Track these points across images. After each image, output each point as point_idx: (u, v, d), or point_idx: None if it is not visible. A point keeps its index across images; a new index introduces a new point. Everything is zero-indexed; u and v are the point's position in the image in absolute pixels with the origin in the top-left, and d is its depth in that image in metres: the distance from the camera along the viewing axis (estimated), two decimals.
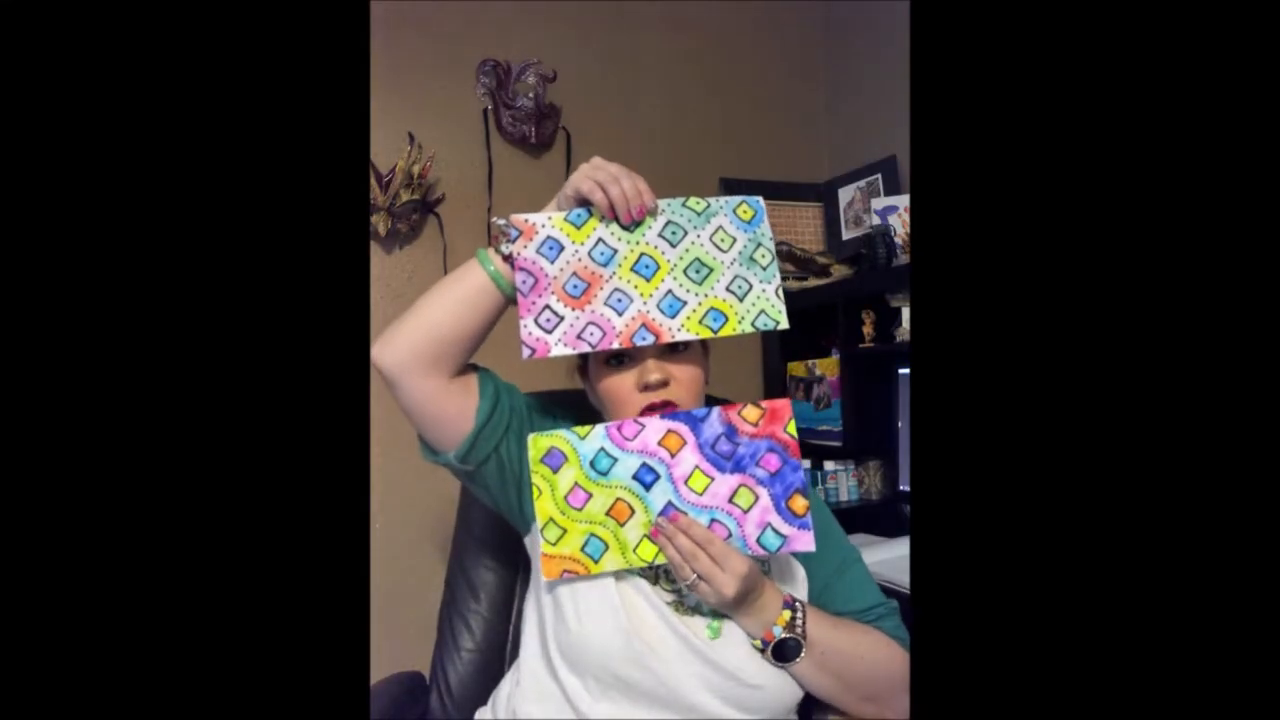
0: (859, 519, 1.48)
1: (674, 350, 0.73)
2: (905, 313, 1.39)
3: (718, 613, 0.69)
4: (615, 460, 0.70)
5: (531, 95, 1.51)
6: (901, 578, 1.09)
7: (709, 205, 0.74)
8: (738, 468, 0.70)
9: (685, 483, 0.69)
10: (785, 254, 1.58)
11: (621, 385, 0.72)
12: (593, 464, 0.70)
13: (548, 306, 0.70)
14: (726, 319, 0.72)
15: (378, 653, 0.83)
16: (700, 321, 0.71)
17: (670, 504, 0.69)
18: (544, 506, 0.69)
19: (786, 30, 1.84)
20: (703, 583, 0.65)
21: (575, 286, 0.70)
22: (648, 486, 0.69)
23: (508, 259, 0.70)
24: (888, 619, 0.76)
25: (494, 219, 0.71)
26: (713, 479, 0.69)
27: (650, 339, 0.69)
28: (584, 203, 0.71)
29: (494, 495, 0.76)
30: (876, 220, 1.57)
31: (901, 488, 1.46)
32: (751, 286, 0.73)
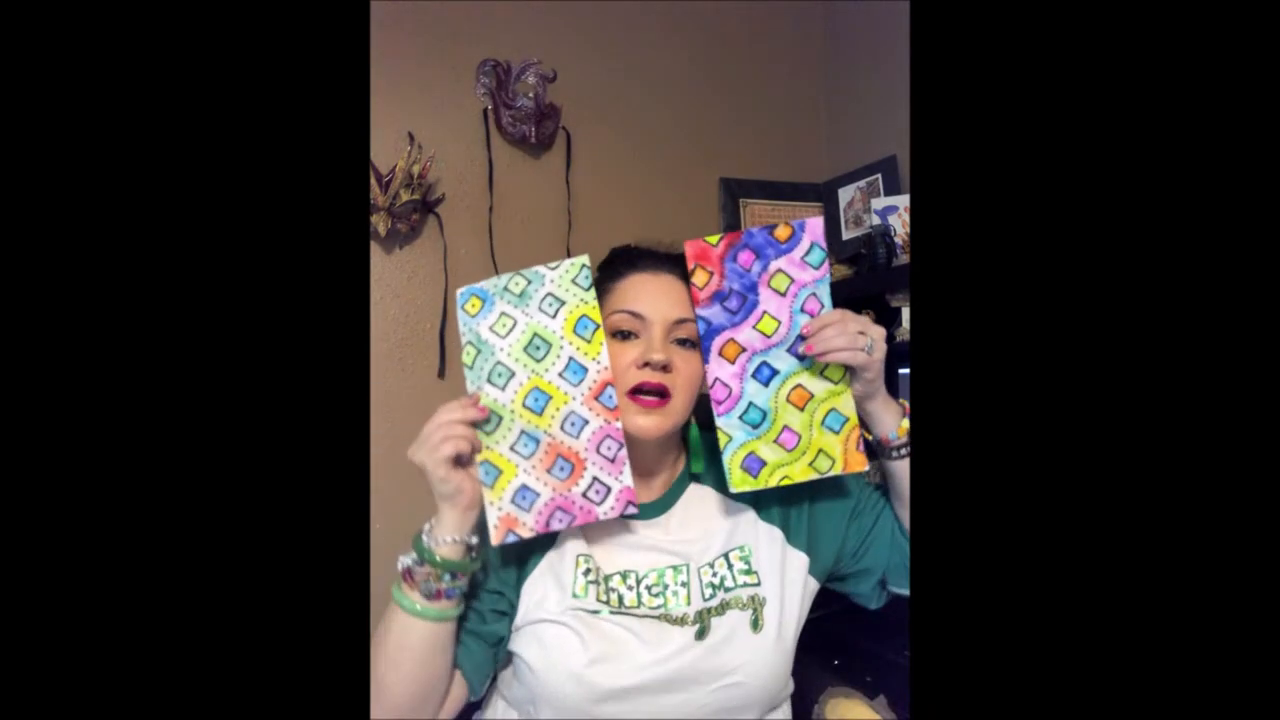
0: None
1: (681, 343, 0.74)
2: (905, 313, 1.39)
3: (708, 612, 0.70)
4: (748, 400, 0.72)
5: (531, 95, 1.51)
6: None
7: (472, 356, 0.70)
8: (752, 288, 0.73)
9: (770, 335, 0.73)
10: None
11: (622, 357, 0.72)
12: (744, 415, 0.73)
13: (582, 495, 0.68)
14: (582, 319, 0.70)
15: None
16: (575, 328, 0.69)
17: (790, 351, 0.73)
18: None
19: (786, 30, 1.84)
20: (869, 354, 0.69)
21: (562, 469, 0.69)
22: (779, 372, 0.73)
23: (438, 595, 0.66)
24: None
25: (401, 559, 0.67)
26: (766, 308, 0.73)
27: (611, 393, 0.69)
28: (458, 462, 0.67)
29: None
30: (876, 220, 1.57)
31: None
32: (551, 293, 0.71)
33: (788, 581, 0.74)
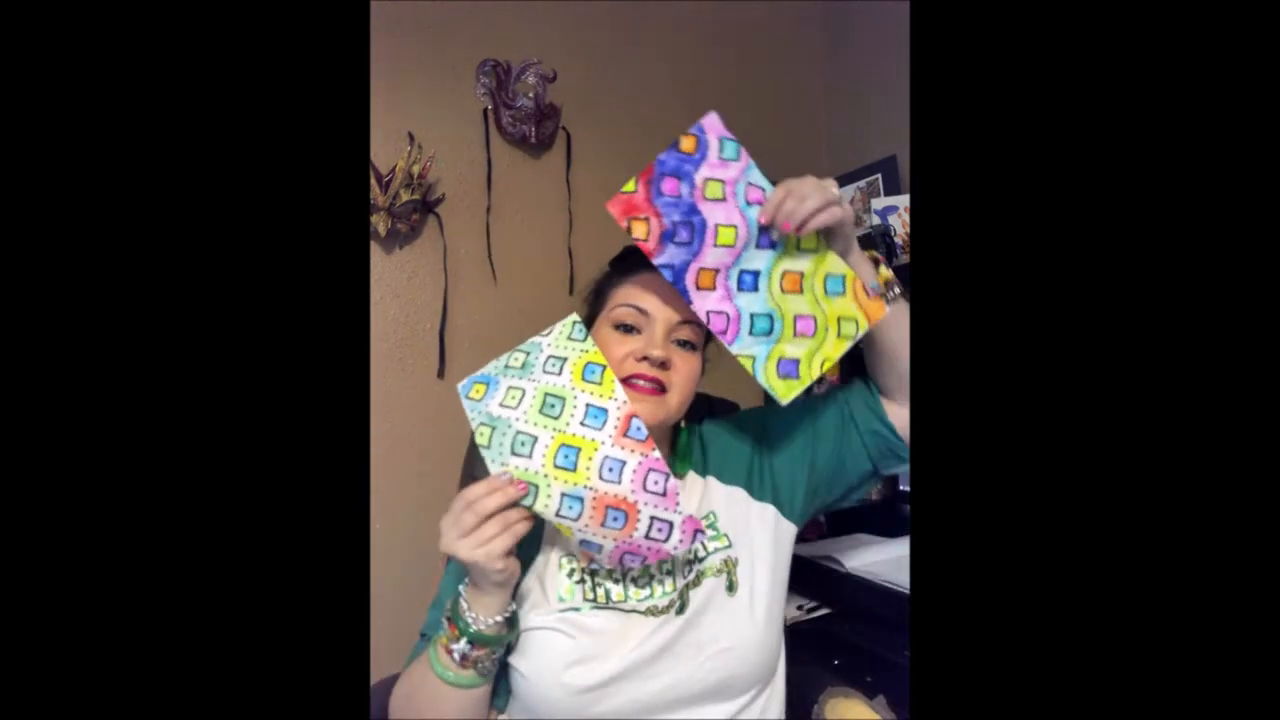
0: (858, 519, 1.48)
1: (682, 344, 0.74)
2: None
3: (686, 587, 0.71)
4: (748, 314, 0.71)
5: (531, 95, 1.51)
6: (901, 578, 1.09)
7: (487, 435, 0.66)
8: (692, 210, 0.70)
9: (734, 244, 0.70)
10: None
11: (621, 348, 0.72)
12: (753, 329, 0.71)
13: (645, 537, 0.65)
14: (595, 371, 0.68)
15: (378, 653, 0.83)
16: (583, 375, 0.67)
17: (760, 246, 0.71)
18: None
19: (786, 30, 1.84)
20: (836, 207, 0.68)
21: (615, 520, 0.64)
22: (760, 271, 0.71)
23: (469, 660, 0.65)
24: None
25: (454, 647, 0.65)
26: (716, 220, 0.70)
27: (639, 425, 0.65)
28: (513, 546, 0.64)
29: None
30: (876, 220, 1.57)
31: (901, 488, 1.46)
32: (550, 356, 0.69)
33: (756, 536, 0.75)
